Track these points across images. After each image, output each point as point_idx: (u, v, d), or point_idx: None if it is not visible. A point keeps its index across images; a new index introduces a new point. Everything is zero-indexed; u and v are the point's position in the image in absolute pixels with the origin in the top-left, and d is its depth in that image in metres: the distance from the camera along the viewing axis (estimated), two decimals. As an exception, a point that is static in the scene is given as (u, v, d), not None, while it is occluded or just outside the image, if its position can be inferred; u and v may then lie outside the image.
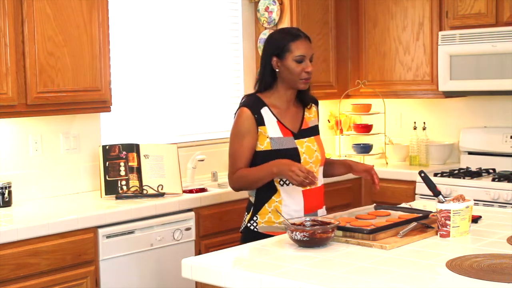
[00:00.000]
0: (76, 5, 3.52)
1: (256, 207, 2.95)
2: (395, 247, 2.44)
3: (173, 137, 4.45)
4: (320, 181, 3.01)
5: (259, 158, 2.90)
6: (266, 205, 2.92)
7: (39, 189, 3.75)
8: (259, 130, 2.90)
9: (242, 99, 3.01)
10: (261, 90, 2.97)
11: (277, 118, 2.93)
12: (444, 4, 4.61)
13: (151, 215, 3.55)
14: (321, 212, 3.02)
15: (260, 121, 2.90)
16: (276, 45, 2.91)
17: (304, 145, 2.94)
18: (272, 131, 2.90)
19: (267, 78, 2.94)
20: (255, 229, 2.93)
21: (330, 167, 3.15)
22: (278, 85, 2.95)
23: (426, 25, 4.72)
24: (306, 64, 2.89)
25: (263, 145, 2.90)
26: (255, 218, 2.94)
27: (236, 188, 2.98)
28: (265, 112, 2.92)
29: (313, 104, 3.08)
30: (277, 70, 2.92)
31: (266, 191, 2.92)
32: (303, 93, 3.01)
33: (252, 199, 2.98)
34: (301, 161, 2.90)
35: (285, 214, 2.88)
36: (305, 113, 3.04)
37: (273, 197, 2.92)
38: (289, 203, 2.91)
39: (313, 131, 3.03)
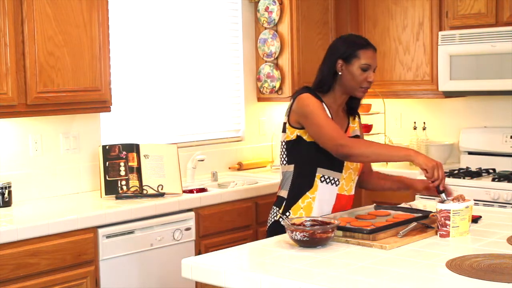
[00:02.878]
0: (76, 5, 3.52)
1: (288, 202, 2.94)
2: (395, 247, 2.44)
3: (173, 137, 4.45)
4: (353, 190, 3.00)
5: (305, 148, 2.88)
6: (299, 201, 2.92)
7: (39, 189, 3.75)
8: None
9: (301, 89, 2.97)
10: (321, 92, 2.94)
11: (331, 116, 2.92)
12: (444, 4, 4.61)
13: (151, 215, 3.55)
14: None
15: None
16: (345, 49, 2.91)
17: None
18: None
19: (328, 80, 2.93)
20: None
21: (384, 181, 3.11)
22: (335, 88, 2.94)
23: (426, 25, 4.72)
24: (370, 74, 2.90)
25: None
26: (287, 214, 2.92)
27: (350, 153, 2.74)
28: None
29: (356, 115, 3.09)
30: (339, 73, 2.91)
31: (301, 187, 2.92)
32: (354, 102, 3.01)
33: (285, 194, 2.97)
34: (345, 164, 2.91)
35: (316, 210, 2.89)
36: (349, 122, 3.04)
37: (307, 193, 2.91)
38: (322, 200, 2.91)
39: None
